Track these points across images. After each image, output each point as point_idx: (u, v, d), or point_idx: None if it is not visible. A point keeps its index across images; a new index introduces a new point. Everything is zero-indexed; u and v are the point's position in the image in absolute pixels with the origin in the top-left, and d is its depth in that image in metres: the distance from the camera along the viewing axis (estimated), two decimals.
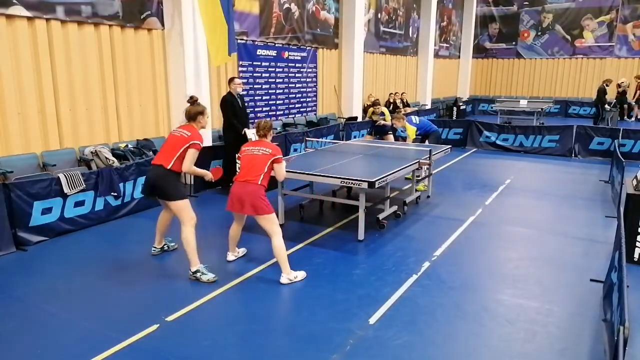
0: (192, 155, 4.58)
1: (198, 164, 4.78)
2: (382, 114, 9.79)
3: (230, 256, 5.16)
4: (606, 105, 15.50)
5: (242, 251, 5.28)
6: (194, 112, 4.73)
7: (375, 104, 10.21)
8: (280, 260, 4.62)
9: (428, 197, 7.67)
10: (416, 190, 7.44)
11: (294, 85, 11.80)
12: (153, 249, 5.31)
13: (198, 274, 4.61)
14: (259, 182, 4.60)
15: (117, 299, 4.30)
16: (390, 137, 9.71)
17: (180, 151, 4.57)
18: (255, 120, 10.43)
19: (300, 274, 4.72)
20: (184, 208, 4.63)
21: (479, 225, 6.38)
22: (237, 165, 7.65)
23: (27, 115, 6.47)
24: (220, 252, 5.28)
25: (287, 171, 5.55)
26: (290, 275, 4.63)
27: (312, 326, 3.87)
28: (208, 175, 4.91)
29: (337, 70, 13.47)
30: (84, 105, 7.15)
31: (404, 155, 6.99)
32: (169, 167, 4.56)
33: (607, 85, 15.68)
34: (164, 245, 5.38)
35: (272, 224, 4.61)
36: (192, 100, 4.85)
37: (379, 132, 9.77)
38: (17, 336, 3.70)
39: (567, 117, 20.23)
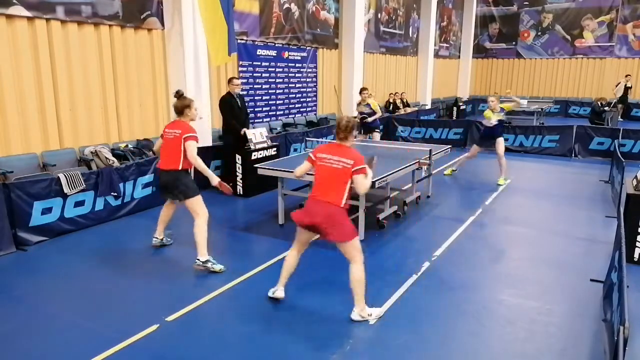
0: (191, 147, 4.74)
1: None
2: (369, 105, 8.66)
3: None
4: (606, 108, 15.41)
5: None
6: (181, 106, 4.89)
7: (363, 89, 8.98)
8: (356, 291, 3.87)
9: (428, 197, 7.67)
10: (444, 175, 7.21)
11: (294, 85, 11.80)
12: (154, 239, 5.38)
13: (209, 264, 4.77)
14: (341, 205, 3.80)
15: (117, 299, 4.30)
16: (377, 135, 9.20)
17: (181, 150, 4.76)
18: (255, 120, 10.47)
19: (376, 311, 3.94)
20: (198, 204, 4.84)
21: (479, 225, 6.38)
22: (237, 165, 7.67)
23: (27, 115, 6.47)
24: (219, 253, 5.26)
25: (286, 171, 5.54)
26: (363, 312, 3.88)
27: (312, 326, 3.87)
28: (215, 180, 4.73)
29: (337, 70, 13.47)
30: (84, 105, 7.15)
31: (404, 155, 6.99)
32: (180, 169, 4.78)
33: (601, 104, 15.51)
34: (164, 238, 5.43)
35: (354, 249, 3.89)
36: (178, 95, 4.97)
37: (367, 128, 8.88)
38: (17, 336, 3.70)
39: (567, 117, 20.22)
